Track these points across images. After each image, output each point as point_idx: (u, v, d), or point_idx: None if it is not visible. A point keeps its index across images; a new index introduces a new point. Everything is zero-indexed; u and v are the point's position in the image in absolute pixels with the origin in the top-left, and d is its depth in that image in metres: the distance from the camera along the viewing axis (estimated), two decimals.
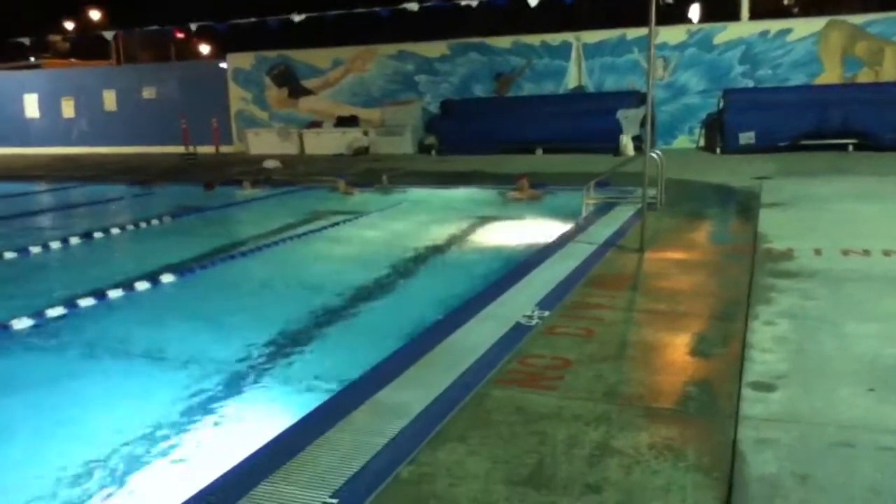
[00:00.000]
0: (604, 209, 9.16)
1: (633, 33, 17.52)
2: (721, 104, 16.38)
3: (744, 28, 17.11)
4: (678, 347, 4.37)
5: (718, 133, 16.09)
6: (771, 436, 3.17)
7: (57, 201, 13.97)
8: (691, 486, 2.81)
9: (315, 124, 20.32)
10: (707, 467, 2.94)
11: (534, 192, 11.02)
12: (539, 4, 14.84)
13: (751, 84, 16.86)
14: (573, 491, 2.81)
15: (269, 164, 16.52)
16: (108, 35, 18.28)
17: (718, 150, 15.83)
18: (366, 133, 19.47)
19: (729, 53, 17.00)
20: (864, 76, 16.25)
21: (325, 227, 9.73)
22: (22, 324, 5.84)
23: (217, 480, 3.05)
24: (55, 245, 8.97)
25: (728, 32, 17.05)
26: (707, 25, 17.83)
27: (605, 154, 15.69)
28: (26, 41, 18.13)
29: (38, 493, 3.50)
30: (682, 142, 17.47)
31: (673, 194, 9.51)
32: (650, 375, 3.95)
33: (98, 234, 9.57)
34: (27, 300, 6.53)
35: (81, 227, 10.15)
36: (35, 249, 8.73)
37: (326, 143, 19.72)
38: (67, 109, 23.96)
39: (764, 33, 16.79)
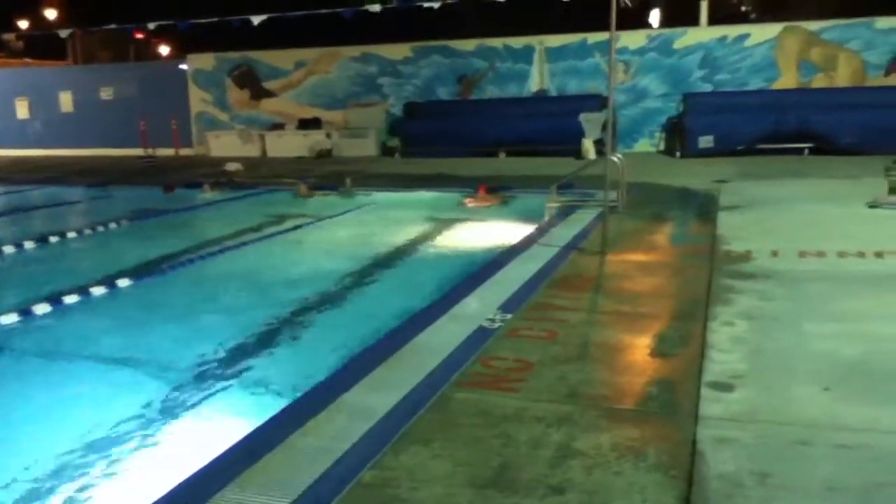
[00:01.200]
0: (566, 212, 9.21)
1: (594, 38, 17.66)
2: (681, 108, 16.61)
3: (703, 33, 17.36)
4: (640, 348, 4.41)
5: (678, 137, 16.30)
6: (730, 435, 3.21)
7: (11, 204, 13.63)
8: (652, 486, 2.83)
9: (277, 126, 20.14)
10: (667, 466, 2.97)
11: (493, 198, 10.94)
12: (502, 6, 14.87)
13: (710, 88, 17.12)
14: (536, 492, 2.82)
15: (231, 166, 16.30)
16: (64, 33, 17.87)
17: (678, 154, 16.03)
18: (329, 135, 19.36)
19: (689, 58, 17.24)
20: (820, 81, 16.60)
21: (284, 231, 9.63)
22: None
23: (174, 489, 2.99)
24: (7, 249, 8.76)
25: (688, 37, 17.29)
26: (667, 30, 18.06)
27: (567, 157, 15.80)
28: None
29: None
30: (643, 145, 17.67)
31: (634, 197, 9.61)
32: (612, 376, 3.97)
33: (53, 238, 9.36)
34: None
35: (37, 231, 9.92)
36: None
37: (289, 145, 19.56)
38: (22, 110, 23.41)
39: (722, 38, 17.07)
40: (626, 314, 5.09)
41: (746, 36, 16.98)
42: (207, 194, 13.10)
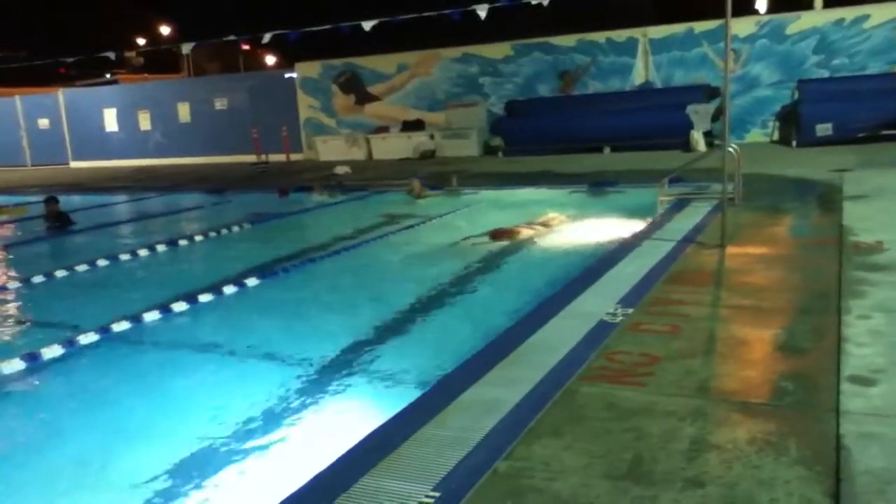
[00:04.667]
0: (678, 206, 9.01)
1: (700, 27, 17.20)
2: (796, 95, 15.94)
3: (817, 17, 16.61)
4: (768, 342, 4.29)
5: (793, 125, 15.67)
6: (875, 430, 3.10)
7: (141, 211, 14.49)
8: (796, 481, 2.77)
9: (381, 129, 20.58)
10: (811, 462, 2.89)
11: (514, 232, 10.37)
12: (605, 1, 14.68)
13: (826, 74, 16.36)
14: (674, 485, 2.81)
15: (340, 169, 16.80)
16: (186, 48, 18.77)
17: (794, 143, 15.40)
18: (432, 136, 19.62)
19: (802, 43, 16.53)
20: None
21: (403, 229, 9.87)
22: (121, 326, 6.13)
23: (318, 476, 3.13)
24: (146, 253, 9.35)
25: (801, 22, 16.57)
26: (778, 16, 17.36)
27: (674, 150, 15.44)
28: (112, 55, 18.82)
29: None
30: (755, 135, 17.05)
31: (750, 189, 9.31)
32: (742, 370, 3.89)
33: (183, 241, 9.92)
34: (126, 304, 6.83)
35: (167, 235, 10.52)
36: (124, 257, 9.09)
37: (393, 147, 19.95)
38: (144, 122, 24.84)
39: (839, 21, 16.28)
40: (751, 308, 4.95)
41: (865, 17, 16.12)
42: (318, 196, 13.52)
